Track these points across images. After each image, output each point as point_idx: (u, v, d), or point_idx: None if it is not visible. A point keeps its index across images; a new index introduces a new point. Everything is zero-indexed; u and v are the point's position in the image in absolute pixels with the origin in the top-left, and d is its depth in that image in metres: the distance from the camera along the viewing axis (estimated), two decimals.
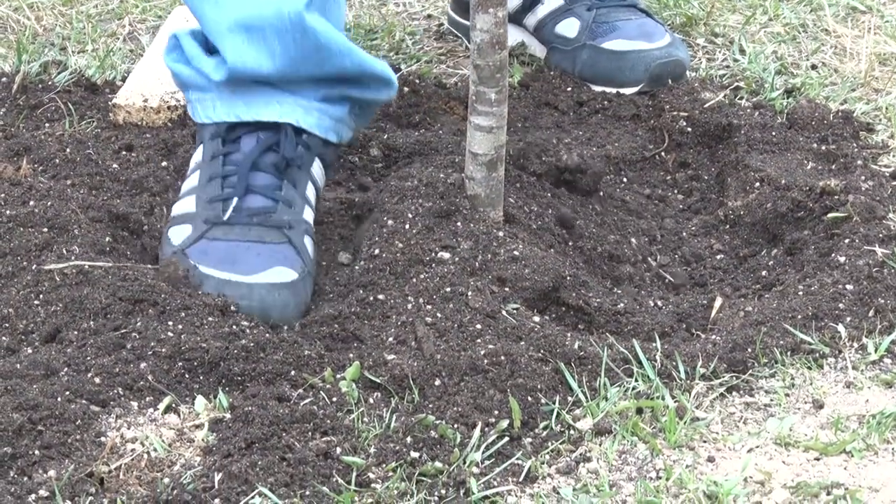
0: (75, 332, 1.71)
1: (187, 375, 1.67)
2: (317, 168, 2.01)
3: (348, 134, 2.06)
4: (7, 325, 1.74)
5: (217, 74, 1.97)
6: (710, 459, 1.58)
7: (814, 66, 2.47)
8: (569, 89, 2.36)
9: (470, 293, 1.79)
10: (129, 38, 2.57)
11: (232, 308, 1.77)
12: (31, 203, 1.92)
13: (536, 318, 1.79)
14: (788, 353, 1.75)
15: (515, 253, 1.86)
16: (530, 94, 2.36)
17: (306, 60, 1.96)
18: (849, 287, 1.84)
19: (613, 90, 2.37)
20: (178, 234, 1.90)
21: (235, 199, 1.92)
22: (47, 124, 2.25)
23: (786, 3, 2.66)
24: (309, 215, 1.96)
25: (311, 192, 1.99)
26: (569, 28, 2.45)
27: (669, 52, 2.37)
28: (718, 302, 1.89)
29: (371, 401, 1.64)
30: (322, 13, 1.96)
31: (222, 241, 1.88)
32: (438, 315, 1.76)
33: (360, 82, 2.03)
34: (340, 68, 1.99)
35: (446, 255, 1.84)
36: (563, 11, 2.46)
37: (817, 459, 1.58)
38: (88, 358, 1.67)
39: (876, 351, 1.75)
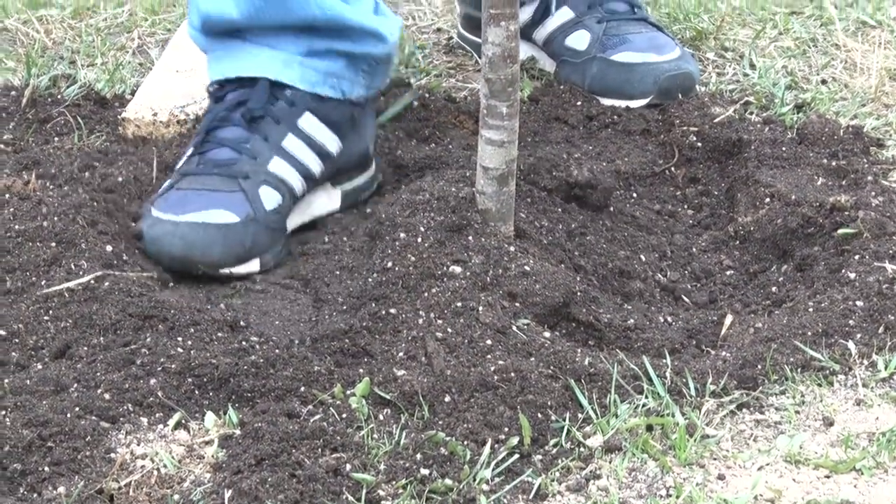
0: (85, 348, 1.72)
1: (197, 391, 1.68)
2: (310, 123, 2.06)
3: (357, 90, 2.11)
4: (17, 340, 1.75)
5: (196, 22, 2.09)
6: (721, 477, 1.58)
7: (824, 81, 2.47)
8: (578, 104, 2.37)
9: (481, 308, 1.80)
10: (138, 52, 2.58)
11: (242, 324, 1.78)
12: (40, 218, 1.93)
13: (547, 334, 1.80)
14: (798, 370, 1.75)
15: (526, 268, 1.87)
16: (540, 108, 2.37)
17: (269, 7, 2.04)
18: (859, 303, 1.84)
19: (623, 103, 2.37)
20: (161, 187, 2.02)
21: (202, 152, 2.02)
22: (56, 138, 2.27)
23: (796, 17, 2.67)
24: (280, 167, 2.02)
25: (294, 146, 2.04)
26: (579, 41, 2.46)
27: (679, 65, 2.38)
28: (729, 318, 1.89)
29: (381, 417, 1.64)
30: None
31: (184, 189, 1.97)
32: (449, 330, 1.76)
33: (346, 35, 2.08)
34: (310, 17, 2.05)
35: (458, 270, 1.85)
36: (573, 24, 2.47)
37: (827, 477, 1.58)
38: (98, 374, 1.68)
39: (886, 368, 1.75)
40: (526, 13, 2.51)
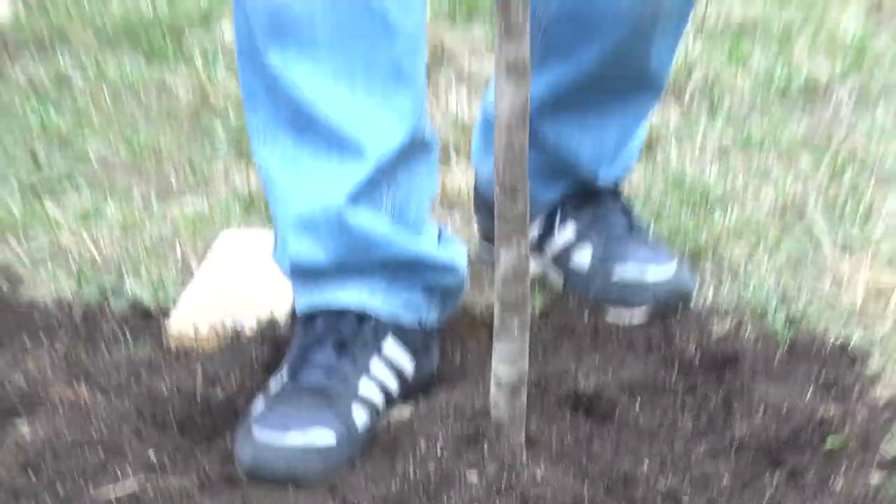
0: None
1: None
2: (392, 348, 2.14)
3: (431, 318, 2.21)
4: None
5: (284, 265, 2.16)
6: None
7: (813, 298, 2.52)
8: (585, 318, 2.42)
9: None
10: (180, 265, 2.65)
11: None
12: (90, 426, 1.99)
13: None
14: None
15: (537, 475, 1.91)
16: (550, 322, 2.42)
17: (353, 251, 2.10)
18: None
19: (625, 312, 2.41)
20: (254, 408, 2.06)
21: (295, 374, 2.07)
22: (105, 349, 2.32)
23: (787, 235, 2.73)
24: (368, 389, 2.09)
25: (379, 369, 2.12)
26: (583, 256, 2.51)
27: (676, 277, 2.43)
28: None
29: None
30: (370, 204, 2.09)
31: (281, 412, 2.01)
32: None
33: (423, 270, 2.18)
34: (391, 257, 2.13)
35: (474, 478, 1.90)
36: (577, 240, 2.52)
37: None
38: None
39: None
40: (534, 229, 2.57)
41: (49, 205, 2.82)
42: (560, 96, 2.40)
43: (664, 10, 2.29)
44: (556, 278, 2.57)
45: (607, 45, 2.32)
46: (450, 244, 2.25)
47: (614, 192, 2.57)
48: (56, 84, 3.27)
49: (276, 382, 2.11)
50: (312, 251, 2.11)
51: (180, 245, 2.71)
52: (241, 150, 3.02)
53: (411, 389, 2.19)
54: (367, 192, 2.08)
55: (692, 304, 2.45)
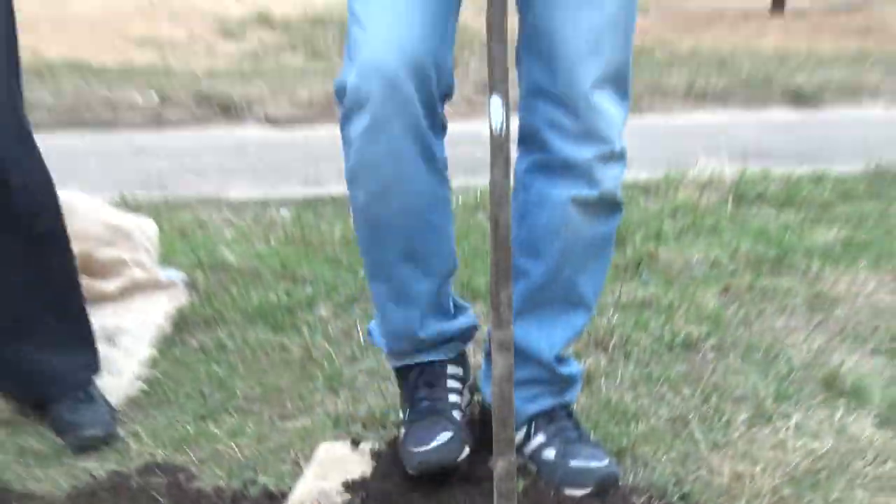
0: None
1: None
2: (453, 369, 2.45)
3: (463, 347, 2.51)
4: None
5: (380, 343, 2.46)
6: None
7: (696, 480, 2.50)
8: (552, 494, 2.39)
9: None
10: (294, 463, 2.62)
11: None
12: None
13: None
14: None
15: None
16: (528, 497, 2.39)
17: (420, 343, 2.40)
18: None
19: (578, 491, 2.38)
20: (401, 431, 2.34)
21: (413, 405, 2.38)
22: None
23: (677, 439, 2.70)
24: (453, 397, 2.41)
25: (452, 383, 2.43)
26: (549, 454, 2.50)
27: (609, 469, 2.41)
28: None
29: None
30: (435, 315, 2.38)
31: (416, 432, 2.30)
32: None
33: (457, 332, 2.45)
34: (436, 332, 2.41)
35: None
36: (545, 444, 2.51)
37: None
38: None
39: None
40: (518, 436, 2.55)
41: (211, 426, 2.81)
42: (522, 304, 2.45)
43: (582, 235, 2.35)
44: (532, 468, 2.55)
45: (549, 260, 2.37)
46: (464, 309, 2.49)
47: (568, 413, 2.57)
48: (217, 347, 3.32)
49: (404, 411, 2.39)
50: (398, 346, 2.43)
51: (294, 451, 2.68)
52: (332, 388, 3.01)
53: (466, 380, 2.50)
54: (431, 306, 2.37)
55: (619, 485, 2.43)
